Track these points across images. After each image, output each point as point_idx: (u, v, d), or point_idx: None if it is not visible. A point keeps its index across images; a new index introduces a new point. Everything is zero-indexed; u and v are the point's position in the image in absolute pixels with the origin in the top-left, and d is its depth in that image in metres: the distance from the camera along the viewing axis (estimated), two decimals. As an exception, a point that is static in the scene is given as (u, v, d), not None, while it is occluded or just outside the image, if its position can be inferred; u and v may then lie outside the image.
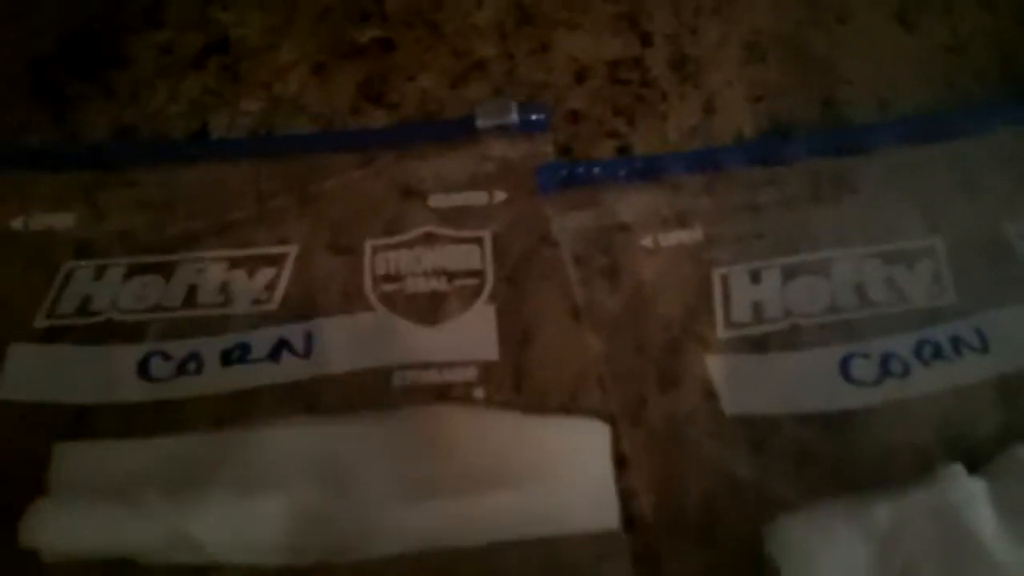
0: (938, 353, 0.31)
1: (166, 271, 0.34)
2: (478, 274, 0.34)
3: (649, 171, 0.36)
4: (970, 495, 0.27)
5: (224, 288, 0.34)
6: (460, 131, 0.37)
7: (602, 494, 0.29)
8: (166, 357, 0.32)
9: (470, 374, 0.32)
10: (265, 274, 0.34)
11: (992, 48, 0.40)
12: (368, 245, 0.35)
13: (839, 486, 0.29)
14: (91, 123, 0.39)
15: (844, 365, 0.31)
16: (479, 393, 0.31)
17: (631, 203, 0.35)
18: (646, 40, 0.41)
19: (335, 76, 0.40)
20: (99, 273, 0.34)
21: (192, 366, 0.32)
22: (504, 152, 0.37)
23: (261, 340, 0.33)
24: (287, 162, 0.37)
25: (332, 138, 0.39)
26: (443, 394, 0.31)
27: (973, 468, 0.28)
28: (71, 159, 0.38)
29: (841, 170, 0.36)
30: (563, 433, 0.30)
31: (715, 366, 0.32)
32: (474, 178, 0.36)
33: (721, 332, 0.32)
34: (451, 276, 0.34)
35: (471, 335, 0.33)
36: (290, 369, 0.32)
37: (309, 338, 0.33)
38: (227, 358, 0.32)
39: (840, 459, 0.30)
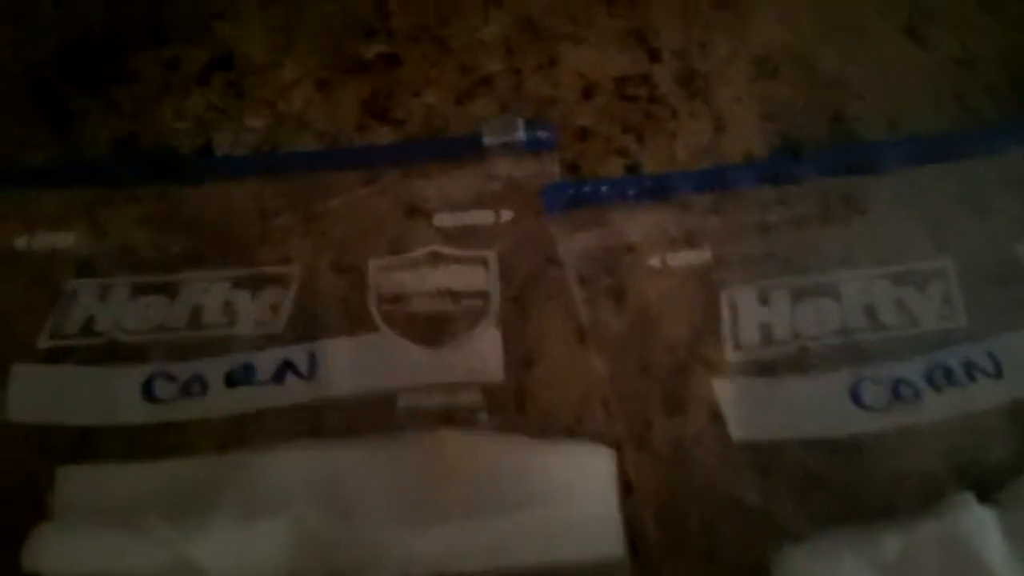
0: (950, 378, 0.31)
1: (170, 291, 0.34)
2: (483, 295, 0.34)
3: (657, 190, 0.36)
4: (980, 524, 0.27)
5: (228, 308, 0.34)
6: (466, 149, 0.37)
7: (607, 521, 0.29)
8: (170, 378, 0.32)
9: (474, 397, 0.32)
10: (269, 294, 0.34)
11: (1001, 61, 0.39)
12: (372, 264, 0.35)
13: (847, 513, 0.28)
14: (94, 139, 0.39)
15: (854, 390, 0.31)
16: (483, 416, 0.31)
17: (639, 223, 0.35)
18: (654, 56, 0.41)
19: (340, 92, 0.40)
20: (103, 293, 0.34)
21: (196, 387, 0.32)
22: (510, 171, 0.36)
23: (265, 361, 0.33)
24: (291, 180, 0.37)
25: (336, 155, 0.38)
26: (447, 418, 0.31)
27: (984, 496, 0.28)
28: (73, 176, 0.38)
29: (851, 190, 0.35)
30: (569, 459, 0.30)
31: (722, 389, 0.31)
32: (480, 197, 0.36)
33: (729, 355, 0.32)
34: (456, 296, 0.34)
35: (476, 357, 0.33)
36: (294, 391, 0.32)
37: (313, 359, 0.33)
38: (231, 379, 0.32)
39: (848, 485, 0.29)
